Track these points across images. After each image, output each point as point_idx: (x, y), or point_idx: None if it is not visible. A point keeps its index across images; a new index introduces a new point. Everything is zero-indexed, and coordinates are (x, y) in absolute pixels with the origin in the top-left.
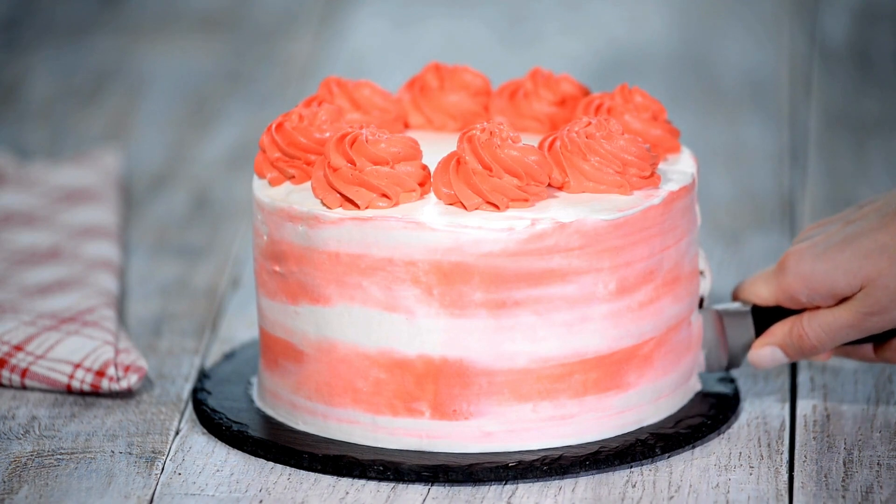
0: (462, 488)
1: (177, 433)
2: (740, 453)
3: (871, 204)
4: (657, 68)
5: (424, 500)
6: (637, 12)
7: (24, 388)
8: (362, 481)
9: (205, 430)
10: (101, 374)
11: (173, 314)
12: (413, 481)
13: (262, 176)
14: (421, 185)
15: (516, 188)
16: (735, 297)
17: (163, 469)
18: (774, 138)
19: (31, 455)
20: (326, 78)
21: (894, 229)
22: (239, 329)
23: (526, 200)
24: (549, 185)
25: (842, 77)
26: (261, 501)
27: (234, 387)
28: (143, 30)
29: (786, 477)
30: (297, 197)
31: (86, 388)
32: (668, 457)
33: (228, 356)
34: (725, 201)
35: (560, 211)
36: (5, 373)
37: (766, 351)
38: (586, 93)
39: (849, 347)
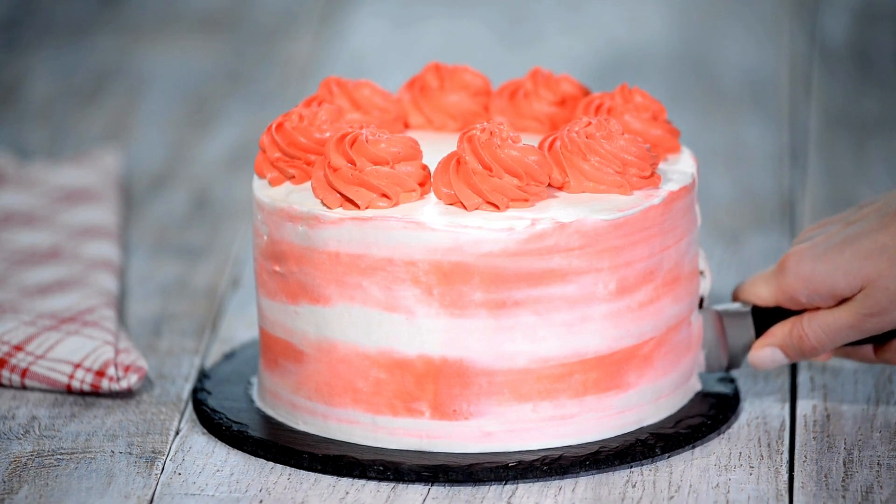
0: (462, 488)
1: (177, 433)
2: (740, 453)
3: (871, 204)
4: (657, 68)
5: (424, 500)
6: (637, 12)
7: (24, 388)
8: (362, 481)
9: (205, 430)
10: (101, 374)
11: (173, 314)
12: (413, 481)
13: (262, 176)
14: (421, 185)
15: (516, 188)
16: (735, 298)
17: (163, 469)
18: (774, 138)
19: (31, 455)
20: (326, 78)
21: (894, 230)
22: (239, 329)
23: (526, 200)
24: (549, 185)
25: (842, 77)
26: (261, 501)
27: (234, 387)
28: (143, 30)
29: (786, 477)
30: (297, 197)
31: (86, 388)
32: (668, 457)
33: (228, 356)
34: (725, 201)
35: (560, 211)
36: (5, 373)
37: (766, 352)
38: (586, 93)
39: (849, 348)
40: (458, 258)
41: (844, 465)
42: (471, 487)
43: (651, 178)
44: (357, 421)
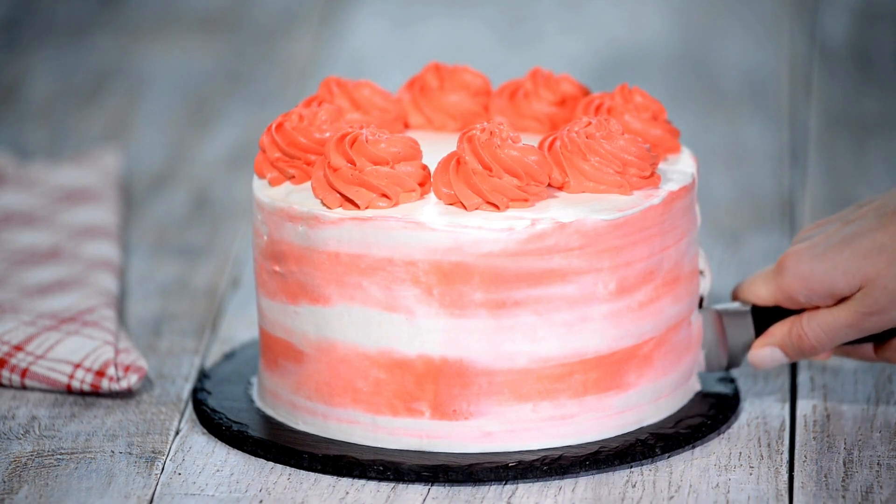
0: (462, 488)
1: (177, 433)
2: (740, 453)
3: (870, 204)
4: (657, 68)
5: (424, 500)
6: (637, 12)
7: (24, 388)
8: (362, 481)
9: (205, 430)
10: (101, 374)
11: (173, 314)
12: (413, 481)
13: (262, 176)
14: (421, 185)
15: (516, 188)
16: (734, 297)
17: (163, 469)
18: (774, 138)
19: (31, 455)
20: (326, 78)
21: (893, 229)
22: (239, 329)
23: (526, 200)
24: (549, 185)
25: (842, 77)
26: (261, 501)
27: (234, 387)
28: (143, 30)
29: (786, 477)
30: (297, 197)
31: (86, 388)
32: (668, 457)
33: (228, 356)
34: (725, 201)
35: (560, 211)
36: (5, 373)
37: (766, 351)
38: (586, 93)
39: (849, 347)
40: (458, 258)
41: (844, 465)
42: (471, 487)
43: (651, 178)
44: (357, 421)
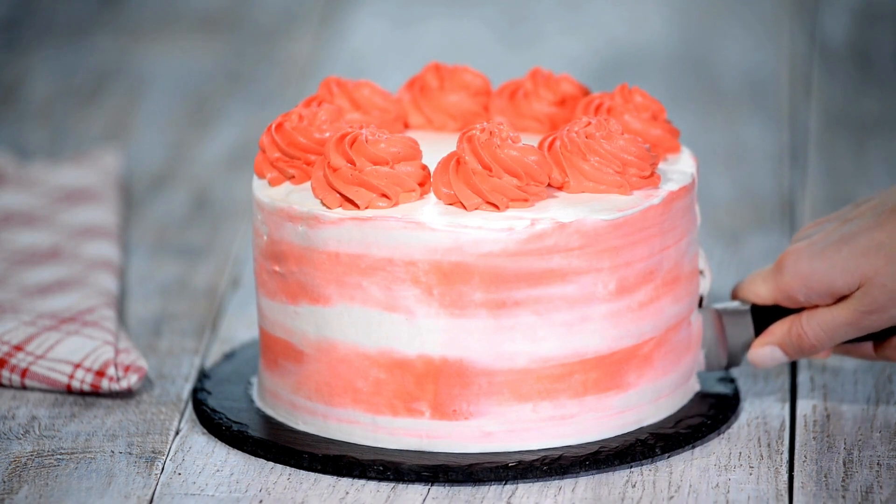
0: (462, 488)
1: (177, 433)
2: (740, 453)
3: (868, 202)
4: (657, 68)
5: (424, 500)
6: (637, 12)
7: (24, 388)
8: (362, 481)
9: (205, 430)
10: (101, 374)
11: (173, 314)
12: (413, 481)
13: (261, 176)
14: (421, 185)
15: (516, 188)
16: (734, 297)
17: (163, 469)
18: (774, 138)
19: (31, 455)
20: (326, 78)
21: (891, 227)
22: (239, 329)
23: (526, 200)
24: (549, 185)
25: (842, 77)
26: (261, 501)
27: (234, 387)
28: (143, 30)
29: (786, 477)
30: (297, 197)
31: (86, 388)
32: (668, 457)
33: (228, 356)
34: (725, 201)
35: (560, 211)
36: (5, 373)
37: (766, 350)
38: (586, 93)
39: (849, 345)
40: (457, 258)
41: (844, 465)
42: (471, 487)
43: (651, 178)
44: (357, 421)
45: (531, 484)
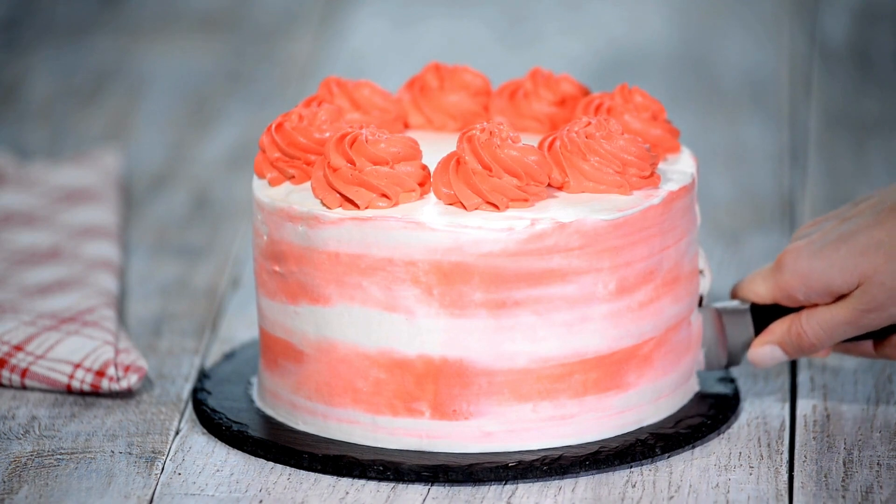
0: (462, 488)
1: (177, 433)
2: (740, 453)
3: (867, 200)
4: (657, 68)
5: (424, 500)
6: (637, 12)
7: (24, 388)
8: (362, 481)
9: (205, 430)
10: (101, 374)
11: (173, 314)
12: (413, 481)
13: (261, 176)
14: (421, 185)
15: (516, 188)
16: (733, 296)
17: (163, 469)
18: (774, 138)
19: (31, 455)
20: (326, 78)
21: (890, 226)
22: (239, 329)
23: (526, 200)
24: (549, 185)
25: (842, 77)
26: (261, 501)
27: (234, 387)
28: (143, 30)
29: (786, 477)
30: (297, 197)
31: (86, 388)
32: (668, 457)
33: (228, 356)
34: (725, 201)
35: (560, 211)
36: (5, 373)
37: (766, 349)
38: (586, 93)
39: (849, 344)
40: (458, 258)
41: (844, 465)
42: (471, 487)
43: (651, 178)
44: (357, 421)
45: (531, 484)
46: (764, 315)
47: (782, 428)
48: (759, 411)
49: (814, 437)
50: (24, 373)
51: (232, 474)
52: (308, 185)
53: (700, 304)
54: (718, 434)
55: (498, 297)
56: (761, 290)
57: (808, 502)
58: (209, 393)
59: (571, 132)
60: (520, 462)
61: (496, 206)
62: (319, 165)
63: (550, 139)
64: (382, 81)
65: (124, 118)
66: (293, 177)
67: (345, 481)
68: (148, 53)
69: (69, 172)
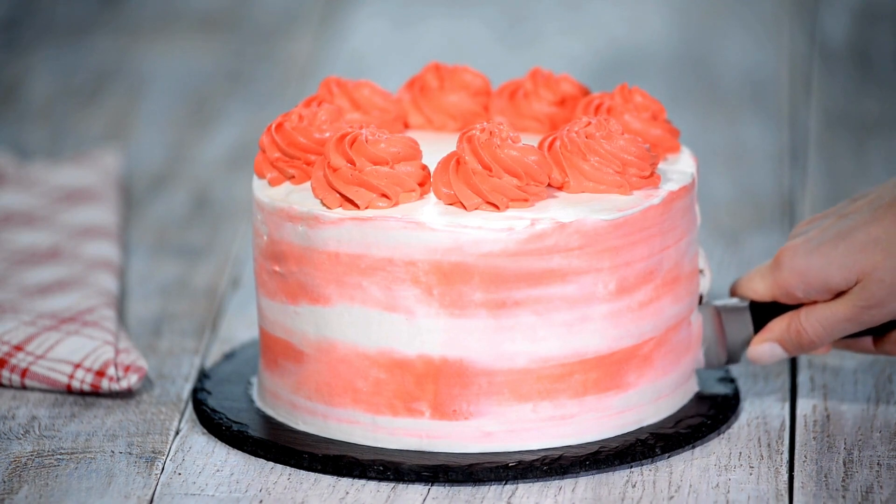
0: (462, 488)
1: (177, 433)
2: (740, 453)
3: (864, 197)
4: (657, 68)
5: (424, 500)
6: (637, 12)
7: (24, 388)
8: (362, 481)
9: (205, 430)
10: (101, 374)
11: (173, 314)
12: (413, 481)
13: (261, 176)
14: (421, 185)
15: (516, 188)
16: (732, 294)
17: (163, 469)
18: (774, 138)
19: (31, 455)
20: (326, 78)
21: (887, 222)
22: (239, 329)
23: (526, 200)
24: (549, 185)
25: (842, 77)
26: (261, 501)
27: (234, 387)
28: (143, 30)
29: (786, 477)
30: (297, 197)
31: (86, 388)
32: (668, 457)
33: (228, 356)
34: (725, 201)
35: (560, 211)
36: (5, 373)
37: (765, 347)
38: (586, 93)
39: (848, 340)
40: (457, 258)
41: (844, 465)
42: (471, 487)
43: (651, 177)
44: (357, 421)
45: (531, 484)
46: (763, 312)
47: (782, 428)
48: (760, 411)
49: (814, 437)
50: (24, 373)
51: (232, 474)
52: (308, 185)
53: (700, 303)
54: (718, 434)
55: (498, 297)
56: (760, 288)
57: (808, 502)
58: (209, 393)
59: (571, 132)
60: (520, 462)
61: (496, 206)
62: (319, 165)
63: (550, 139)
64: (382, 81)
65: (124, 118)
66: (293, 177)
67: (345, 481)
68: (148, 53)
69: (69, 172)
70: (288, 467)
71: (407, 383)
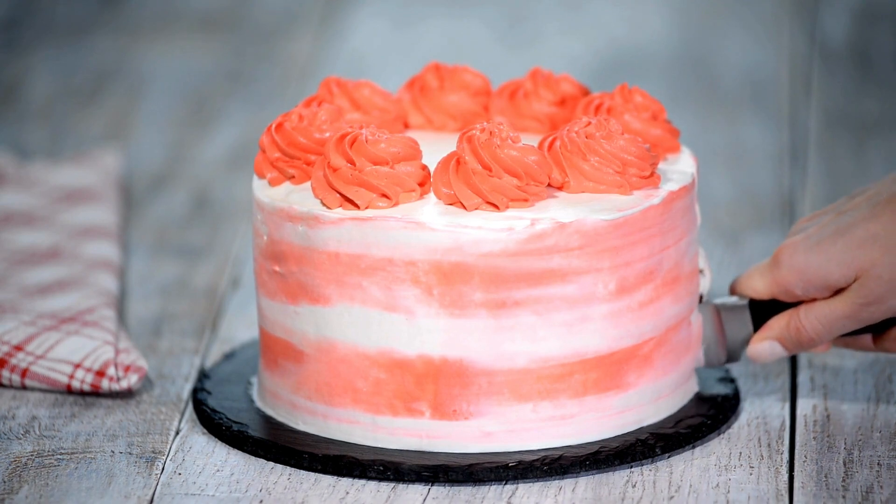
0: (462, 488)
1: (177, 433)
2: (740, 453)
3: (862, 193)
4: (657, 68)
5: (424, 500)
6: (637, 12)
7: (24, 388)
8: (362, 481)
9: (205, 430)
10: (101, 374)
11: (173, 314)
12: (413, 481)
13: (261, 176)
14: (421, 185)
15: (516, 188)
16: (732, 292)
17: (163, 469)
18: (774, 138)
19: (31, 455)
20: (326, 78)
21: (885, 219)
22: (239, 329)
23: (526, 200)
24: (549, 185)
25: (842, 77)
26: (261, 501)
27: (234, 387)
28: (143, 30)
29: (786, 477)
30: (297, 197)
31: (86, 388)
32: (668, 457)
33: (228, 356)
34: (725, 201)
35: (560, 211)
36: (5, 373)
37: (765, 345)
38: (586, 93)
39: (848, 338)
40: (457, 258)
41: (844, 465)
42: (471, 487)
43: (651, 177)
44: (357, 421)
45: (531, 484)
46: (762, 310)
47: (782, 428)
48: (760, 411)
49: (814, 437)
50: (24, 373)
51: (232, 474)
52: (308, 185)
53: (700, 302)
54: (718, 434)
55: (498, 297)
56: (759, 286)
57: (808, 502)
58: (209, 393)
59: (571, 132)
60: (520, 462)
61: (496, 206)
62: (319, 165)
63: (550, 139)
64: (382, 81)
65: (124, 118)
66: (293, 177)
67: (345, 481)
68: (148, 53)
69: (69, 172)
70: (288, 467)
71: (407, 383)
